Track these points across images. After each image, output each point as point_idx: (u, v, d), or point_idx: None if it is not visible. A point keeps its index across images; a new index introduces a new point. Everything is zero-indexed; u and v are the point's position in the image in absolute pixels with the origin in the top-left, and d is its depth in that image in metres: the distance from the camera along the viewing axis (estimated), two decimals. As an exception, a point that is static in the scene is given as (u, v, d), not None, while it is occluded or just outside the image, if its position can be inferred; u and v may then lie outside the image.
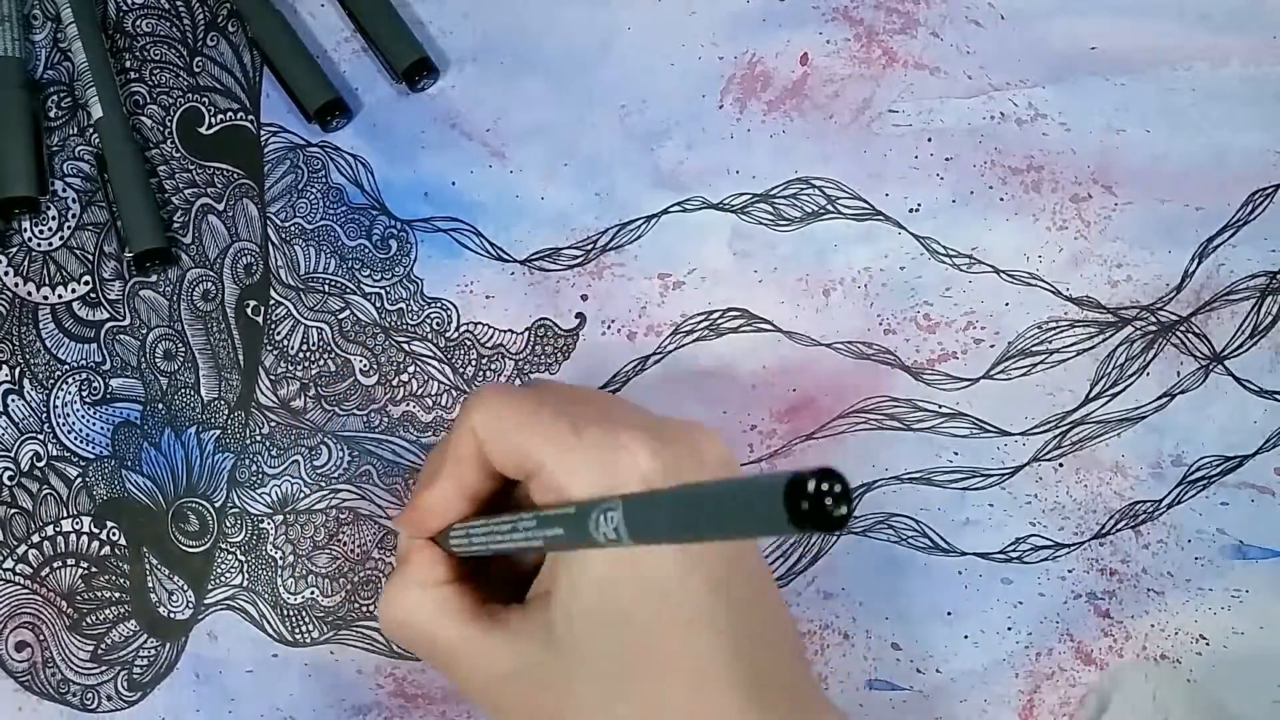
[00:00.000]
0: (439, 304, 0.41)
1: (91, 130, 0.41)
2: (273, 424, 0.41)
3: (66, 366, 0.41)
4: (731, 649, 0.29)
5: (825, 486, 0.19)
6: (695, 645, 0.29)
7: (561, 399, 0.32)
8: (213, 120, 0.42)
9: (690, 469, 0.30)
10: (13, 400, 0.41)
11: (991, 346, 0.41)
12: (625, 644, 0.29)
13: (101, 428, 0.41)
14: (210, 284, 0.42)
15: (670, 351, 0.41)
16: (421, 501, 0.33)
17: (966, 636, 0.40)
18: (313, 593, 0.40)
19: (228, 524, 0.41)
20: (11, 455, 0.41)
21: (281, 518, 0.41)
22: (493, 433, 0.31)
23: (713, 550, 0.30)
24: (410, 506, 0.34)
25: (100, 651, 0.40)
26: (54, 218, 0.42)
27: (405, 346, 0.41)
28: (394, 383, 0.41)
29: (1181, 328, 0.41)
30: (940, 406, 0.41)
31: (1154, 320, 0.41)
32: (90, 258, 0.42)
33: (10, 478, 0.41)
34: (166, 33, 0.43)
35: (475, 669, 0.31)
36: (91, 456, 0.41)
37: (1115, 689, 0.32)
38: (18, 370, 0.41)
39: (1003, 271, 0.41)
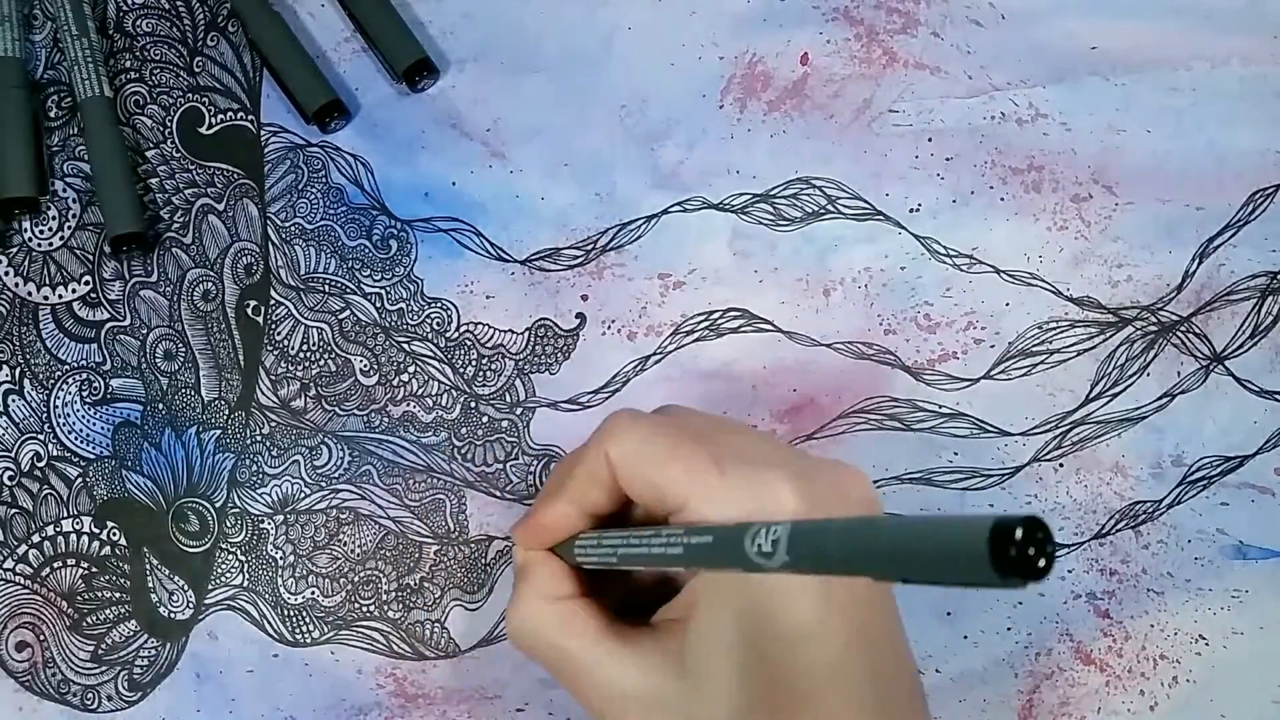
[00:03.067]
0: (439, 304, 0.41)
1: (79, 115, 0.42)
2: (273, 424, 0.41)
3: (67, 366, 0.41)
4: (868, 701, 0.29)
5: (1036, 535, 0.18)
6: (832, 694, 0.28)
7: (700, 431, 0.32)
8: (213, 120, 0.42)
9: (836, 507, 0.30)
10: (13, 400, 0.41)
11: (992, 347, 0.41)
12: (760, 684, 0.29)
13: (102, 428, 0.41)
14: (210, 284, 0.42)
15: (670, 352, 0.41)
16: (544, 517, 0.33)
17: (966, 636, 0.40)
18: (313, 593, 0.40)
19: (228, 524, 0.41)
20: (12, 455, 0.41)
21: (282, 518, 0.41)
22: (631, 464, 0.31)
23: (855, 593, 0.29)
24: (531, 519, 0.34)
25: (100, 651, 0.40)
26: (54, 218, 0.42)
27: (405, 346, 0.41)
28: (394, 383, 0.41)
29: (1182, 328, 0.41)
30: (940, 407, 0.41)
31: (1154, 320, 0.41)
32: (90, 258, 0.42)
33: (10, 478, 0.41)
34: (167, 33, 0.43)
35: (602, 687, 0.31)
36: (92, 456, 0.41)
37: None
38: (18, 370, 0.41)
39: (1003, 272, 0.41)
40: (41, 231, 0.42)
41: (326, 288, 0.41)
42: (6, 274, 0.42)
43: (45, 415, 0.41)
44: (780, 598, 0.28)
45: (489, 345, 0.41)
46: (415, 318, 0.41)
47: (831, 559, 0.23)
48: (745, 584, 0.29)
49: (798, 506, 0.29)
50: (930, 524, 0.20)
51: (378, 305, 0.41)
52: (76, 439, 0.41)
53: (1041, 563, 0.18)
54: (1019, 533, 0.18)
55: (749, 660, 0.29)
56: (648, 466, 0.31)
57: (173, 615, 0.40)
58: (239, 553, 0.41)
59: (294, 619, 0.40)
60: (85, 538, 0.41)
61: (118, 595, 0.40)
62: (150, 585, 0.40)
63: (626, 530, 0.31)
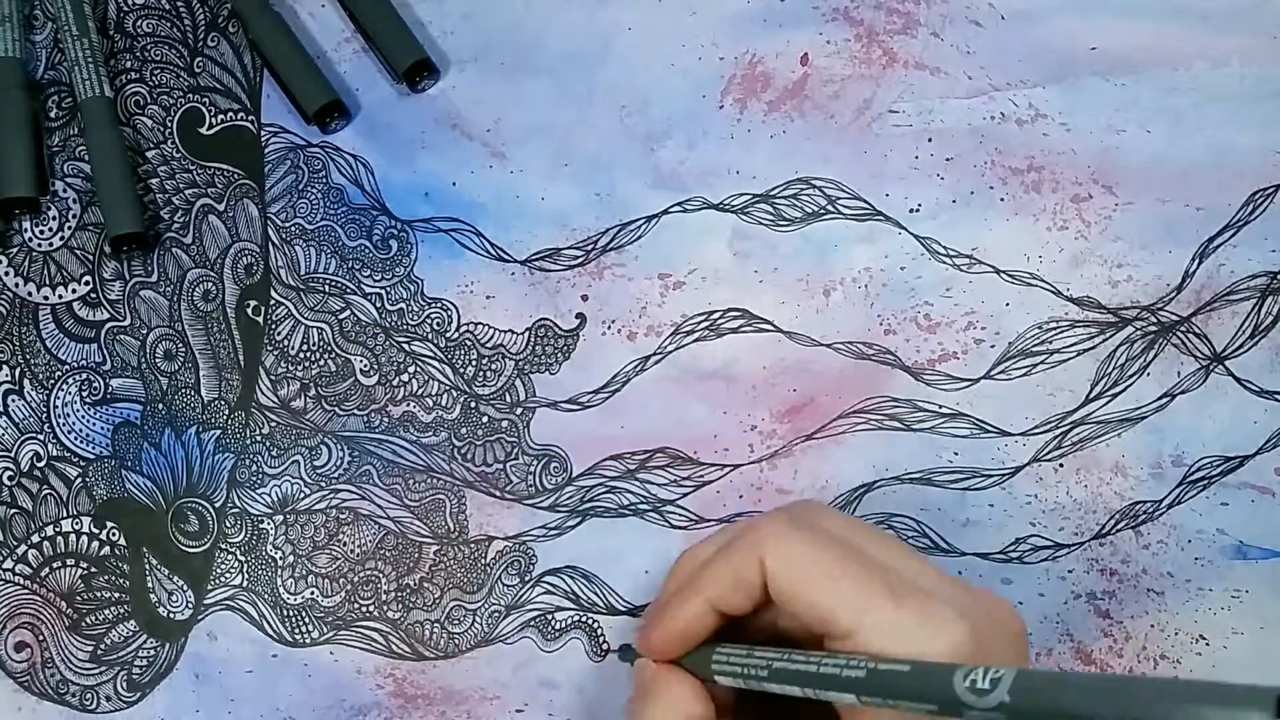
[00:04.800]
0: (439, 304, 0.41)
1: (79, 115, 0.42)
2: (273, 424, 0.41)
3: (67, 366, 0.41)
4: None
5: None
6: None
7: (864, 551, 0.30)
8: (213, 120, 0.42)
9: (994, 641, 0.29)
10: (13, 400, 0.41)
11: (992, 347, 0.41)
12: None
13: (101, 428, 0.41)
14: (211, 284, 0.42)
15: (670, 352, 0.41)
16: (679, 616, 0.31)
17: (967, 637, 0.40)
18: (313, 593, 0.40)
19: (228, 524, 0.41)
20: (11, 455, 0.41)
21: (281, 518, 0.41)
22: (793, 580, 0.30)
23: None
24: (662, 618, 0.32)
25: (100, 652, 0.40)
26: (54, 218, 0.42)
27: (405, 347, 0.41)
28: (394, 383, 0.41)
29: (1182, 328, 0.41)
30: (940, 407, 0.41)
31: (1154, 320, 0.41)
32: (90, 258, 0.42)
33: (10, 478, 0.41)
34: (167, 33, 0.43)
35: None
36: (91, 456, 0.41)
37: None
38: (18, 370, 0.41)
39: (1003, 272, 0.41)
40: (41, 231, 0.42)
41: (327, 288, 0.41)
42: (6, 274, 0.42)
43: (45, 415, 0.41)
44: None
45: (489, 345, 0.41)
46: (415, 318, 0.41)
47: (1063, 712, 0.21)
48: None
49: (965, 640, 0.28)
50: (1198, 688, 0.19)
51: (378, 305, 0.41)
52: (76, 439, 0.41)
53: None
54: None
55: None
56: (814, 587, 0.29)
57: (172, 615, 0.40)
58: (238, 553, 0.41)
59: (293, 619, 0.40)
60: (85, 538, 0.41)
61: (117, 595, 0.40)
62: (150, 585, 0.40)
63: (791, 652, 0.29)
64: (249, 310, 0.41)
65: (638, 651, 0.34)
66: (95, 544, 0.41)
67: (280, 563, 0.40)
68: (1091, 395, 0.41)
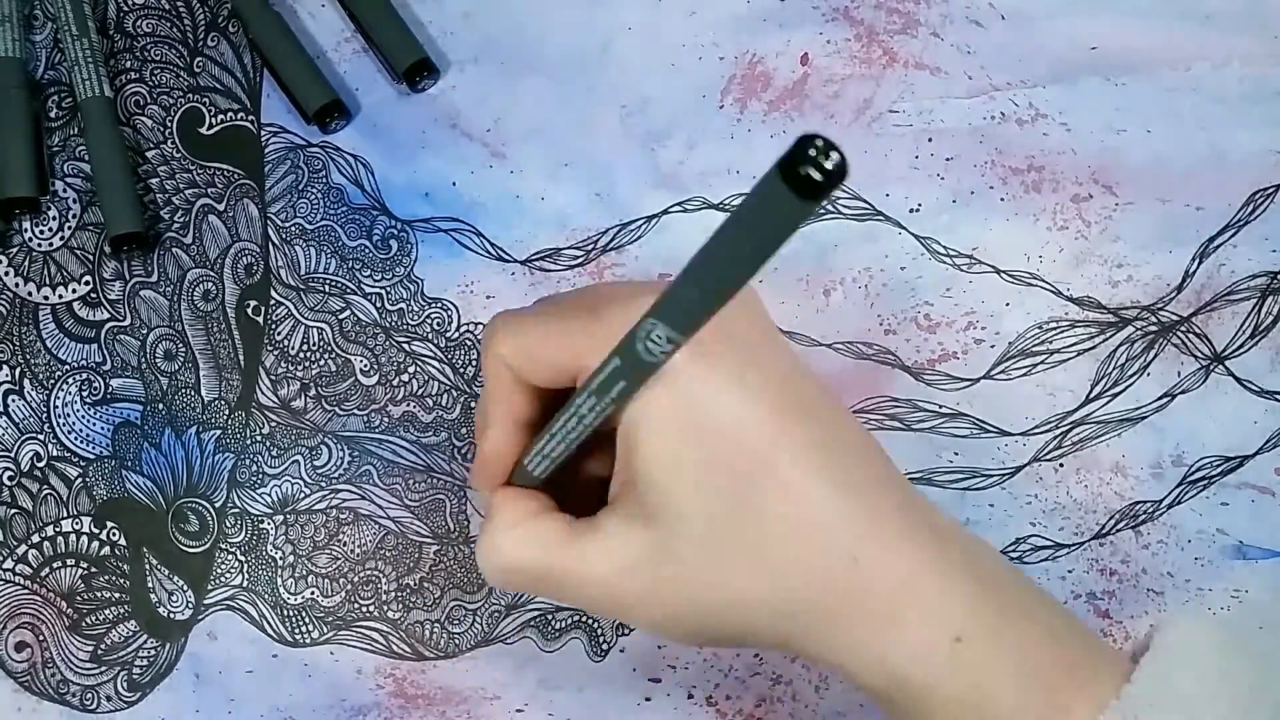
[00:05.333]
0: (439, 304, 0.41)
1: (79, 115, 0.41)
2: (273, 424, 0.41)
3: (67, 366, 0.41)
4: (819, 465, 0.29)
5: (813, 151, 0.19)
6: (784, 468, 0.29)
7: (567, 297, 0.32)
8: (213, 120, 0.42)
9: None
10: (13, 400, 0.41)
11: (992, 346, 0.41)
12: (716, 487, 0.29)
13: (102, 428, 0.41)
14: (211, 284, 0.42)
15: (670, 352, 0.41)
16: (486, 452, 0.33)
17: (967, 637, 0.40)
18: (313, 593, 0.40)
19: (228, 524, 0.41)
20: (12, 455, 0.41)
21: (281, 518, 0.41)
22: (524, 355, 0.31)
23: (766, 373, 0.29)
24: (477, 463, 0.33)
25: (100, 652, 0.40)
26: (54, 218, 0.42)
27: (406, 346, 0.41)
28: (394, 383, 0.41)
29: (1182, 328, 0.41)
30: (940, 406, 0.41)
31: (1154, 320, 0.41)
32: (90, 258, 0.42)
33: (10, 478, 0.41)
34: (167, 33, 0.43)
35: (590, 582, 0.31)
36: (92, 456, 0.41)
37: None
38: (18, 370, 0.41)
39: (1003, 271, 0.41)
40: (42, 231, 0.42)
41: (327, 288, 0.41)
42: (7, 274, 0.42)
43: (45, 415, 0.41)
44: (704, 408, 0.29)
45: (489, 345, 0.41)
46: (415, 318, 0.41)
47: (699, 302, 0.24)
48: (668, 414, 0.29)
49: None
50: (737, 206, 0.21)
51: (378, 305, 0.41)
52: (76, 439, 0.41)
53: (835, 157, 0.19)
54: (799, 151, 0.19)
55: (699, 475, 0.29)
56: (540, 350, 0.31)
57: (172, 615, 0.40)
58: (239, 553, 0.41)
59: (293, 619, 0.40)
60: (85, 538, 0.41)
61: (117, 595, 0.40)
62: (150, 585, 0.40)
63: (551, 426, 0.31)
64: (249, 310, 0.41)
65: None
66: (95, 544, 0.41)
67: (280, 563, 0.40)
68: (1091, 395, 0.41)
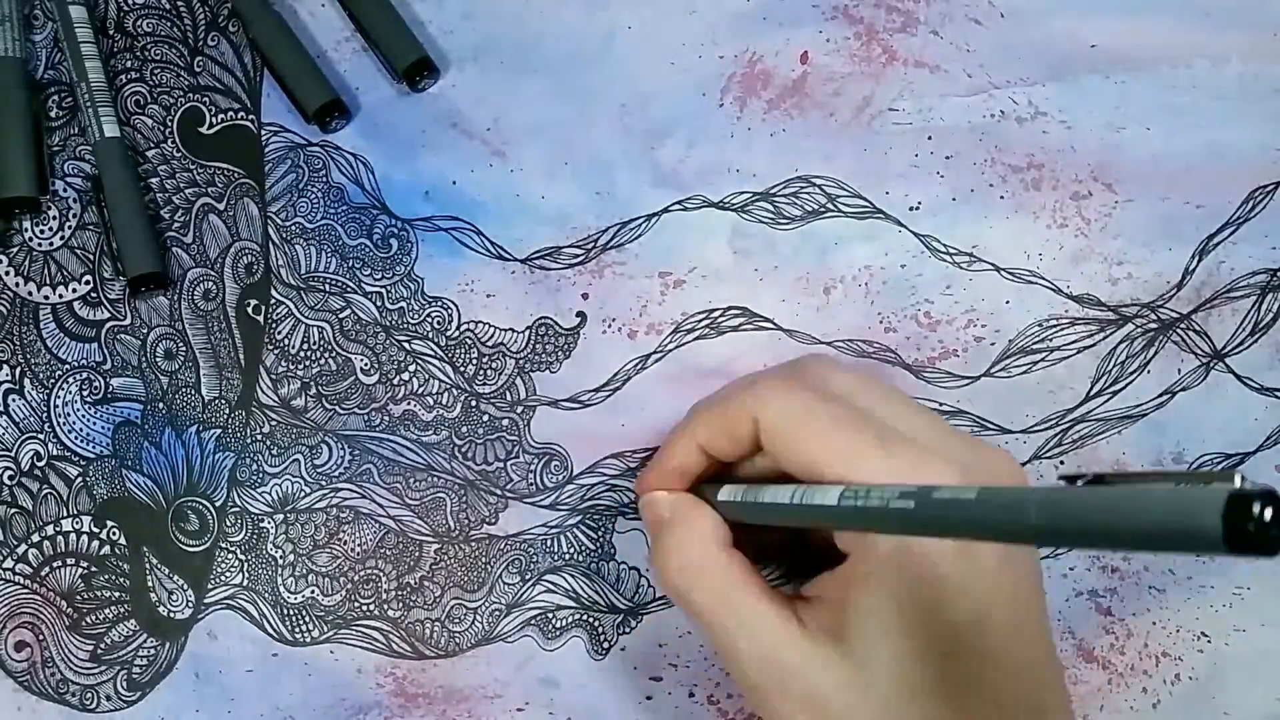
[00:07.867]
0: (440, 303, 0.41)
1: (90, 149, 0.41)
2: (273, 423, 0.41)
3: (67, 366, 0.41)
4: (1028, 687, 0.29)
5: (1270, 511, 0.17)
6: (1001, 679, 0.28)
7: (859, 406, 0.31)
8: (213, 120, 0.42)
9: None
10: (13, 400, 0.41)
11: (992, 344, 0.41)
12: (928, 667, 0.28)
13: (102, 427, 0.41)
14: (211, 283, 0.42)
15: (671, 350, 0.41)
16: (672, 454, 0.32)
17: (968, 635, 0.40)
18: (313, 592, 0.40)
19: (228, 523, 0.41)
20: (12, 455, 0.41)
21: (282, 517, 0.41)
22: (785, 435, 0.30)
23: (1018, 581, 0.29)
24: (655, 460, 0.33)
25: (100, 651, 0.40)
26: (55, 217, 0.42)
27: (406, 345, 0.41)
28: (395, 382, 0.41)
29: (1182, 325, 0.41)
30: (941, 405, 0.41)
31: (1155, 318, 0.41)
32: (91, 257, 0.42)
33: (10, 477, 0.41)
34: (167, 33, 0.43)
35: (763, 650, 0.30)
36: (92, 456, 0.41)
37: None
38: (18, 370, 0.41)
39: (1003, 269, 0.41)
40: (42, 231, 0.42)
41: (327, 287, 0.41)
42: (7, 274, 0.42)
43: (45, 414, 0.41)
44: (948, 585, 0.28)
45: (489, 344, 0.41)
46: (416, 316, 0.41)
47: (1031, 527, 0.21)
48: (910, 569, 0.28)
49: None
50: (1148, 496, 0.19)
51: (378, 304, 0.41)
52: (76, 438, 0.41)
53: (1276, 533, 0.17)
54: (1257, 508, 0.17)
55: (916, 645, 0.28)
56: (805, 442, 0.30)
57: (172, 615, 0.40)
58: (239, 552, 0.40)
59: (294, 618, 0.40)
60: (85, 537, 0.41)
61: (117, 595, 0.40)
62: (150, 585, 0.40)
63: (787, 485, 0.30)
64: (249, 309, 0.41)
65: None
66: (95, 543, 0.41)
67: (281, 562, 0.40)
68: (1092, 393, 0.41)
